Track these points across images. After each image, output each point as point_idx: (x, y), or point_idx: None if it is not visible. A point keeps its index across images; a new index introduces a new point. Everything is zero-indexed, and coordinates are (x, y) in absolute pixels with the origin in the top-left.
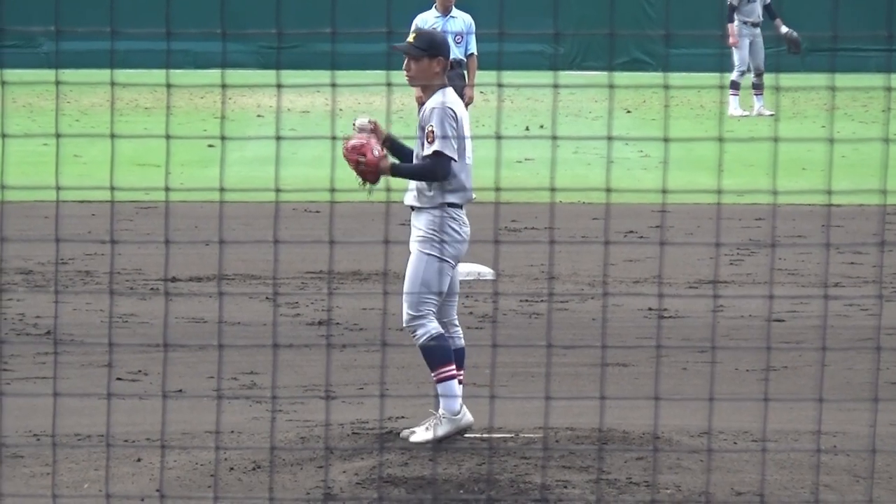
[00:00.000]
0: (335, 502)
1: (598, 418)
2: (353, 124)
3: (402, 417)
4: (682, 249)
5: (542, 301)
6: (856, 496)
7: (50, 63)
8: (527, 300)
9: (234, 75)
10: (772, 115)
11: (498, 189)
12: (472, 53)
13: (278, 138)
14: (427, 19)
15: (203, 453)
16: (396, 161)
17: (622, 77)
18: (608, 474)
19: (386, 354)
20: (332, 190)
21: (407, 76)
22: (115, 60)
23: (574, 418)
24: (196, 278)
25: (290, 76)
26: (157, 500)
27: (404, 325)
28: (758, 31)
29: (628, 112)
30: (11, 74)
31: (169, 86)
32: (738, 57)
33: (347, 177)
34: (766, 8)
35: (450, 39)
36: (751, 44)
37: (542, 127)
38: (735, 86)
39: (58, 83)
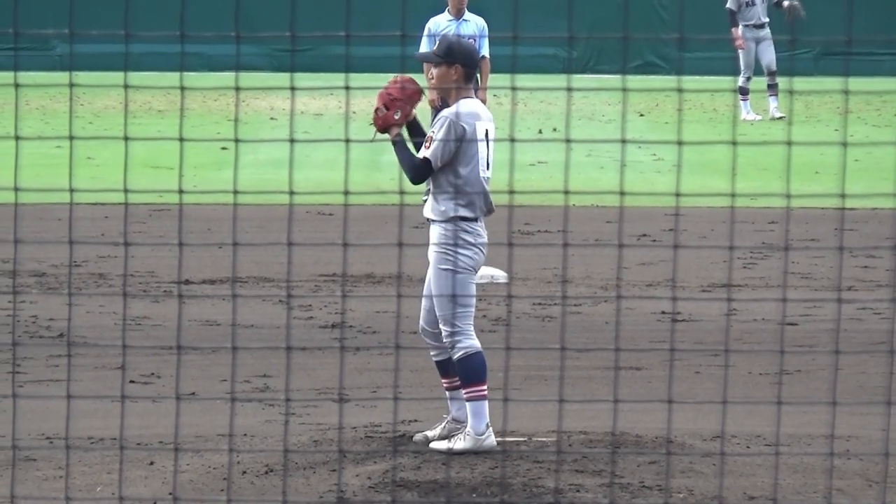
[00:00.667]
0: None
1: (611, 422)
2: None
3: (416, 421)
4: (695, 253)
5: (555, 304)
6: (869, 500)
7: (63, 65)
8: (540, 303)
9: (248, 78)
10: (782, 117)
11: (511, 192)
12: (484, 56)
13: (292, 141)
14: (440, 22)
15: (216, 456)
16: (402, 136)
17: (635, 80)
18: (621, 478)
19: (399, 358)
20: (346, 192)
21: (428, 82)
22: (128, 63)
23: (587, 422)
24: (209, 281)
25: (303, 79)
26: (169, 503)
27: (445, 340)
28: (763, 32)
29: (641, 115)
30: (25, 77)
31: (182, 88)
32: (743, 61)
33: (361, 180)
34: None
35: None
36: (757, 46)
37: (555, 130)
38: (743, 91)
39: (71, 85)
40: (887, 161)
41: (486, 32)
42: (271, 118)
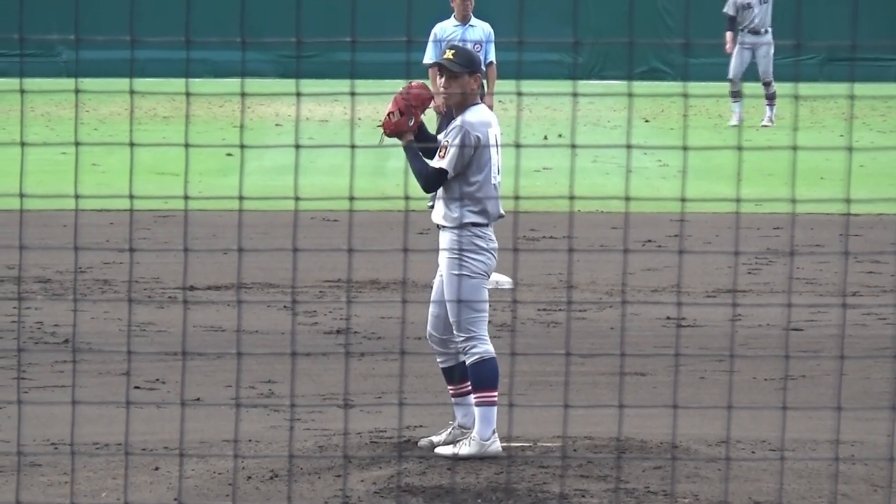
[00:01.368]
0: None
1: (617, 427)
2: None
3: (421, 426)
4: (700, 258)
5: (560, 310)
6: None
7: (69, 72)
8: (545, 309)
9: (253, 84)
10: (766, 126)
11: (517, 198)
12: (491, 62)
13: (297, 146)
14: (446, 28)
15: (221, 462)
16: (414, 143)
17: (641, 86)
18: (626, 483)
19: (404, 363)
20: (351, 198)
21: (443, 92)
22: (133, 69)
23: (592, 427)
24: (214, 287)
25: (308, 85)
26: None
27: (459, 345)
28: (762, 38)
29: (647, 121)
30: (30, 83)
31: (188, 94)
32: (731, 66)
33: (366, 186)
34: None
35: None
36: (754, 53)
37: (560, 136)
38: (732, 94)
39: (77, 91)
40: (892, 166)
41: (493, 38)
42: (276, 124)
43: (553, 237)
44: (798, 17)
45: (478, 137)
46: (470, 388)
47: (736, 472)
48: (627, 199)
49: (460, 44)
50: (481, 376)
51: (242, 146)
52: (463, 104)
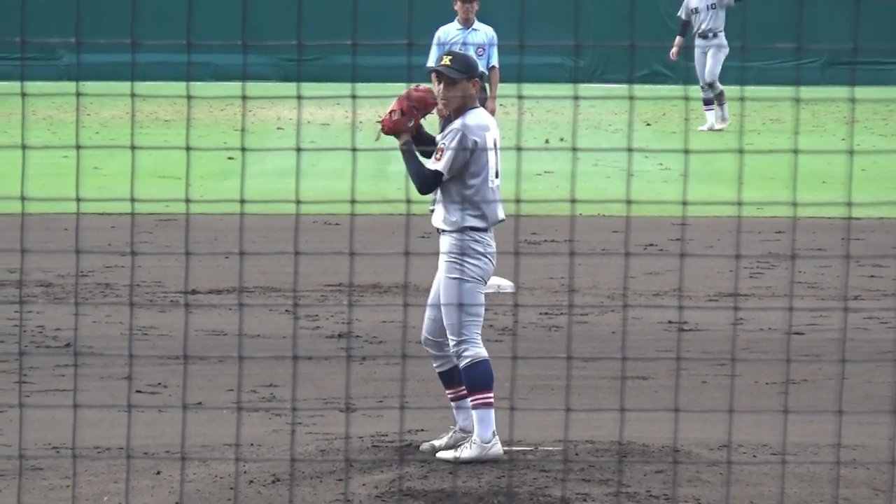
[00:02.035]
0: None
1: (618, 431)
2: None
3: (422, 430)
4: (701, 262)
5: (561, 314)
6: None
7: (70, 75)
8: (547, 313)
9: (255, 88)
10: (720, 130)
11: (518, 201)
12: (493, 66)
13: (298, 150)
14: (449, 31)
15: (223, 466)
16: (412, 145)
17: (642, 90)
18: (628, 487)
19: (406, 367)
20: (353, 202)
21: (442, 98)
22: (135, 73)
23: (594, 431)
24: (216, 291)
25: (310, 88)
26: None
27: (451, 349)
28: (710, 42)
29: (648, 125)
30: (32, 86)
31: (189, 97)
32: (697, 73)
33: (367, 189)
34: None
35: (472, 52)
36: (704, 55)
37: (561, 140)
38: (704, 101)
39: (78, 95)
40: (894, 170)
41: (496, 41)
42: (278, 128)
43: (554, 241)
44: (799, 21)
45: (475, 141)
46: (492, 398)
47: (737, 476)
48: (629, 202)
49: (459, 49)
50: (475, 379)
51: (244, 149)
52: (462, 108)
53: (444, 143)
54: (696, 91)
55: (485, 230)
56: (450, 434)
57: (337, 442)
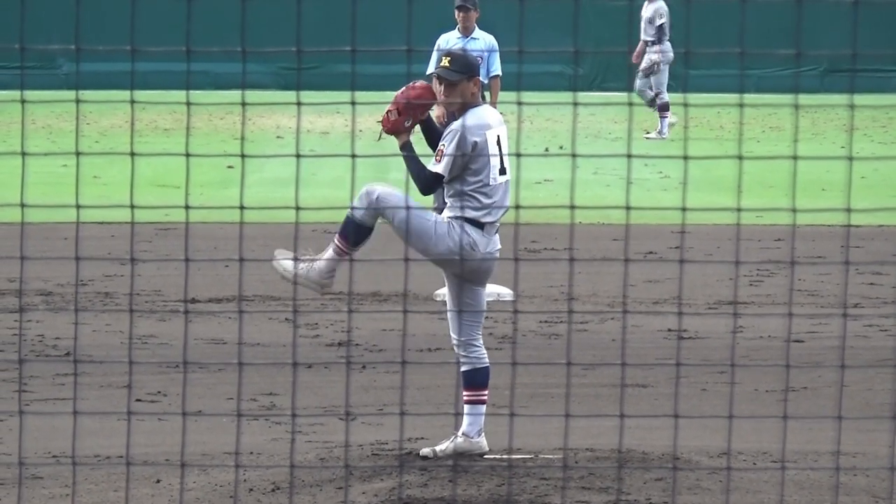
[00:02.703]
0: None
1: (618, 439)
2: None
3: (422, 438)
4: (701, 270)
5: (561, 322)
6: None
7: (69, 84)
8: (546, 321)
9: (254, 96)
10: (651, 138)
11: (518, 207)
12: (496, 75)
13: (298, 156)
14: (450, 39)
15: (222, 474)
16: (411, 145)
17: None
18: (627, 495)
19: (406, 375)
20: (353, 209)
21: (443, 99)
22: (134, 81)
23: (593, 439)
24: (216, 299)
25: (309, 97)
26: None
27: (453, 344)
28: (652, 49)
29: (647, 133)
30: (31, 95)
31: (189, 104)
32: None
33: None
34: (658, 28)
35: None
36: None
37: (561, 148)
38: (655, 106)
39: (78, 102)
40: (894, 178)
41: (497, 48)
42: (277, 136)
43: (554, 249)
44: (798, 29)
45: (475, 143)
46: (485, 397)
47: (737, 484)
48: (628, 208)
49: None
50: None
51: (243, 155)
52: (464, 107)
53: (443, 145)
54: (694, 100)
55: (480, 226)
56: (450, 440)
57: (337, 450)
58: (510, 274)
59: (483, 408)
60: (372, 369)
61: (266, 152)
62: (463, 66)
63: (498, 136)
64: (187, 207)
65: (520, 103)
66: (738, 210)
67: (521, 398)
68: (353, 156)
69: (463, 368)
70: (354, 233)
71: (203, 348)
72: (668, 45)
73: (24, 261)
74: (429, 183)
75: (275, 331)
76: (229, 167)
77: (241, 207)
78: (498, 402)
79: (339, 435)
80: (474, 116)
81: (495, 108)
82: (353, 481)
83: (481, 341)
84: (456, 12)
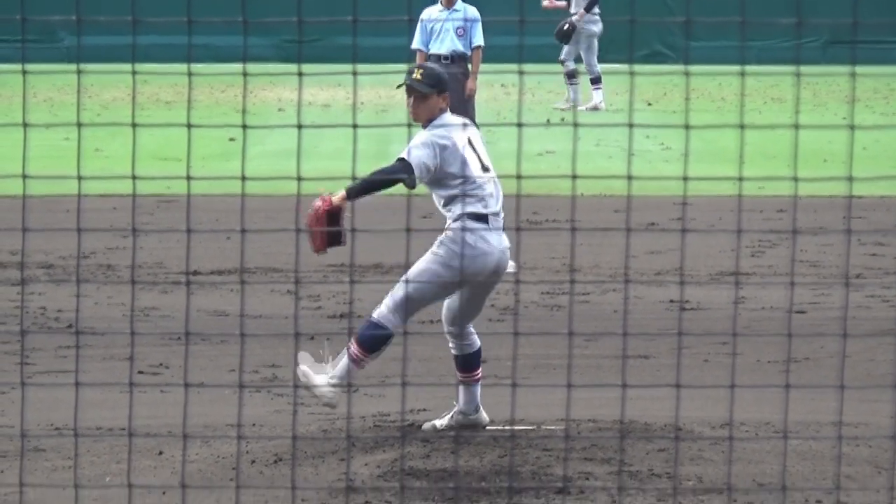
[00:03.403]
0: (357, 494)
1: (620, 410)
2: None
3: (424, 410)
4: (703, 241)
5: (563, 293)
6: (878, 487)
7: (71, 58)
8: (548, 292)
9: (256, 69)
10: (560, 108)
11: (519, 177)
12: (477, 46)
13: (299, 126)
14: (432, 13)
15: (225, 446)
16: (355, 193)
17: (643, 69)
18: (630, 466)
19: (407, 347)
20: (354, 179)
21: (412, 112)
22: (136, 54)
23: (595, 410)
24: (218, 271)
25: (311, 69)
26: (178, 492)
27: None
28: (586, 16)
29: (649, 105)
30: (32, 68)
31: (190, 75)
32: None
33: (369, 169)
34: None
35: (451, 32)
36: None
37: (562, 120)
38: (592, 80)
39: (79, 73)
40: (895, 149)
41: (479, 19)
42: (279, 109)
43: (556, 220)
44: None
45: (444, 145)
46: (479, 376)
47: (739, 454)
48: (630, 178)
49: (441, 28)
50: (367, 336)
51: (245, 126)
52: (430, 121)
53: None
54: (695, 71)
55: (485, 221)
56: (450, 413)
57: (339, 422)
58: (512, 245)
59: (478, 386)
60: None
61: (268, 124)
62: (434, 81)
63: (468, 138)
64: (189, 179)
65: (521, 73)
66: (740, 180)
67: (524, 369)
68: (355, 126)
69: (454, 352)
70: (376, 339)
71: (205, 320)
72: (597, 15)
73: (26, 233)
74: (398, 171)
75: (277, 303)
76: (231, 139)
77: (243, 178)
78: (500, 373)
79: (341, 406)
80: (439, 124)
81: (475, 77)
82: (355, 453)
83: (473, 327)
84: None
